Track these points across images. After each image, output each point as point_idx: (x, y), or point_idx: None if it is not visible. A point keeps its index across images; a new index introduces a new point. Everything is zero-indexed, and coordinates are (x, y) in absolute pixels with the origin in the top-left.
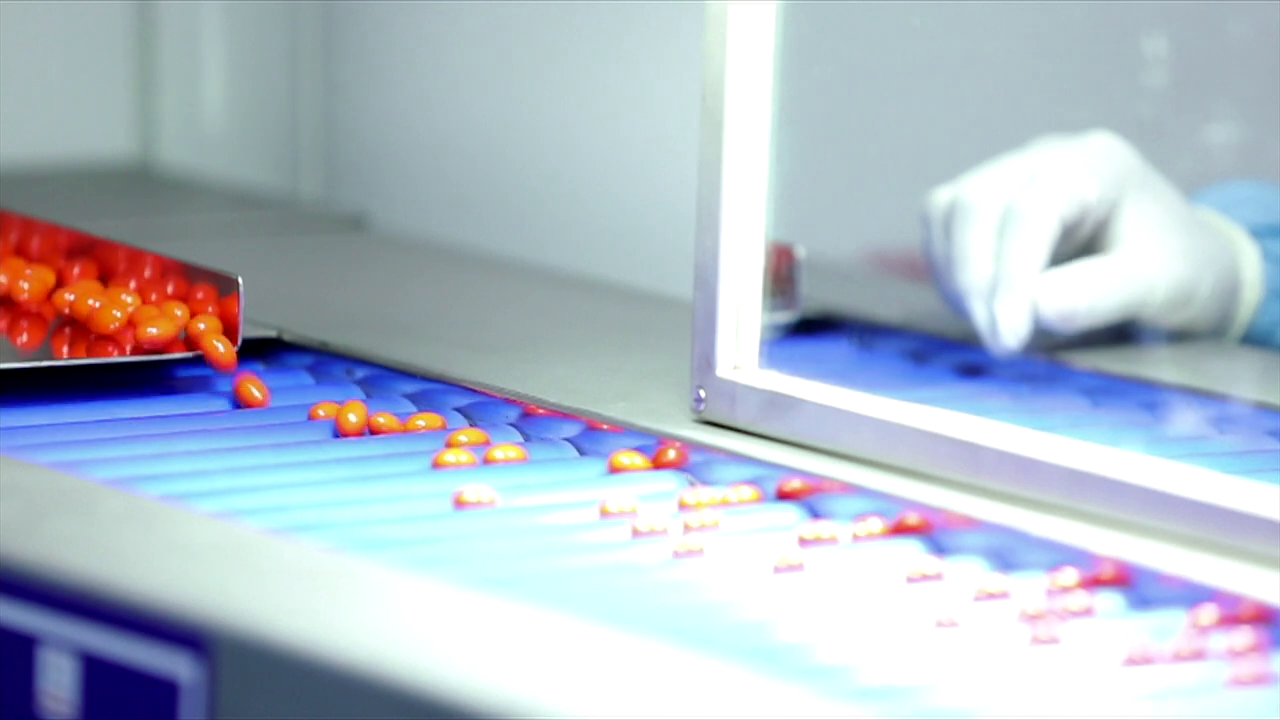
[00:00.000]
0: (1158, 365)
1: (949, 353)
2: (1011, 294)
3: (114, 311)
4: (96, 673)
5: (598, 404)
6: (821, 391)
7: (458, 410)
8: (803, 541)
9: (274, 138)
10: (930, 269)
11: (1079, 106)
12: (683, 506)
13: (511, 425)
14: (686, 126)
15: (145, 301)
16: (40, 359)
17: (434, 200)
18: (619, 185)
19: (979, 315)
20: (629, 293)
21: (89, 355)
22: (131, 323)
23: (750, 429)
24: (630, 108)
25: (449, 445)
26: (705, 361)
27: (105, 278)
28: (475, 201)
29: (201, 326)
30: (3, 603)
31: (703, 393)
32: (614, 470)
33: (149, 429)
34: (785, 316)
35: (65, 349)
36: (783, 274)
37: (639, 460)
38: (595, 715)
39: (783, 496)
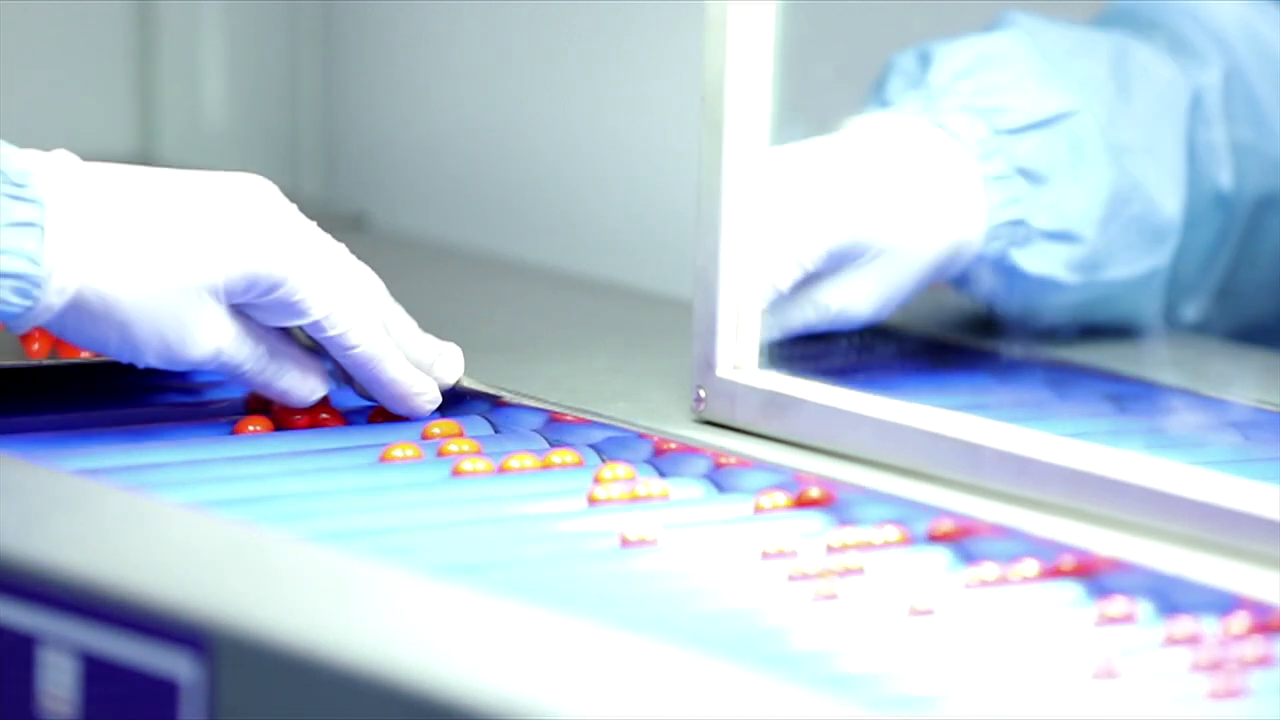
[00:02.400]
0: (1160, 366)
1: (950, 352)
2: None
3: None
4: (96, 672)
5: (598, 404)
6: (821, 391)
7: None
8: (956, 584)
9: (274, 137)
10: None
11: None
12: (830, 549)
13: (537, 430)
14: (686, 126)
15: None
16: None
17: (434, 200)
18: (619, 185)
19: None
20: (629, 293)
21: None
22: None
23: (750, 429)
24: (630, 108)
25: (596, 480)
26: (705, 362)
27: None
28: (476, 201)
29: None
30: (3, 602)
31: (703, 393)
32: (759, 510)
33: (150, 428)
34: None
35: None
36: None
37: (781, 499)
38: (594, 715)
39: (934, 539)
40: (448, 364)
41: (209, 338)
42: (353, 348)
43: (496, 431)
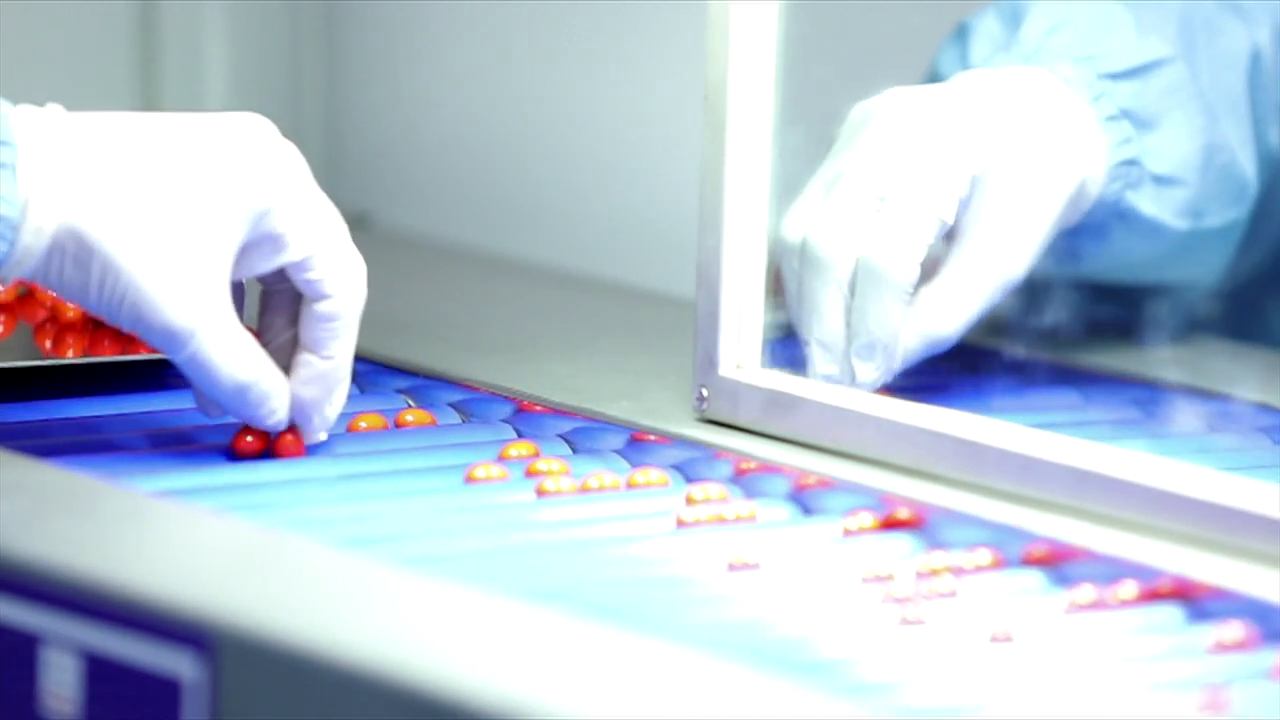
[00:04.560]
0: (1163, 366)
1: (950, 352)
2: (870, 355)
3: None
4: (99, 672)
5: (600, 403)
6: (823, 390)
7: (450, 405)
8: (1053, 608)
9: None
10: (785, 297)
11: None
12: (924, 573)
13: (561, 437)
14: (689, 125)
15: None
16: (37, 358)
17: (436, 199)
18: (622, 184)
19: (820, 368)
20: (631, 292)
21: (88, 354)
22: None
23: (752, 428)
24: (633, 107)
25: (687, 500)
26: (708, 360)
27: None
28: (478, 200)
29: None
30: (6, 602)
31: (705, 392)
32: (848, 534)
33: (153, 428)
34: (787, 316)
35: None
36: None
37: (868, 520)
38: (591, 715)
39: (1029, 562)
40: (334, 411)
41: (192, 305)
42: (324, 299)
43: (575, 451)
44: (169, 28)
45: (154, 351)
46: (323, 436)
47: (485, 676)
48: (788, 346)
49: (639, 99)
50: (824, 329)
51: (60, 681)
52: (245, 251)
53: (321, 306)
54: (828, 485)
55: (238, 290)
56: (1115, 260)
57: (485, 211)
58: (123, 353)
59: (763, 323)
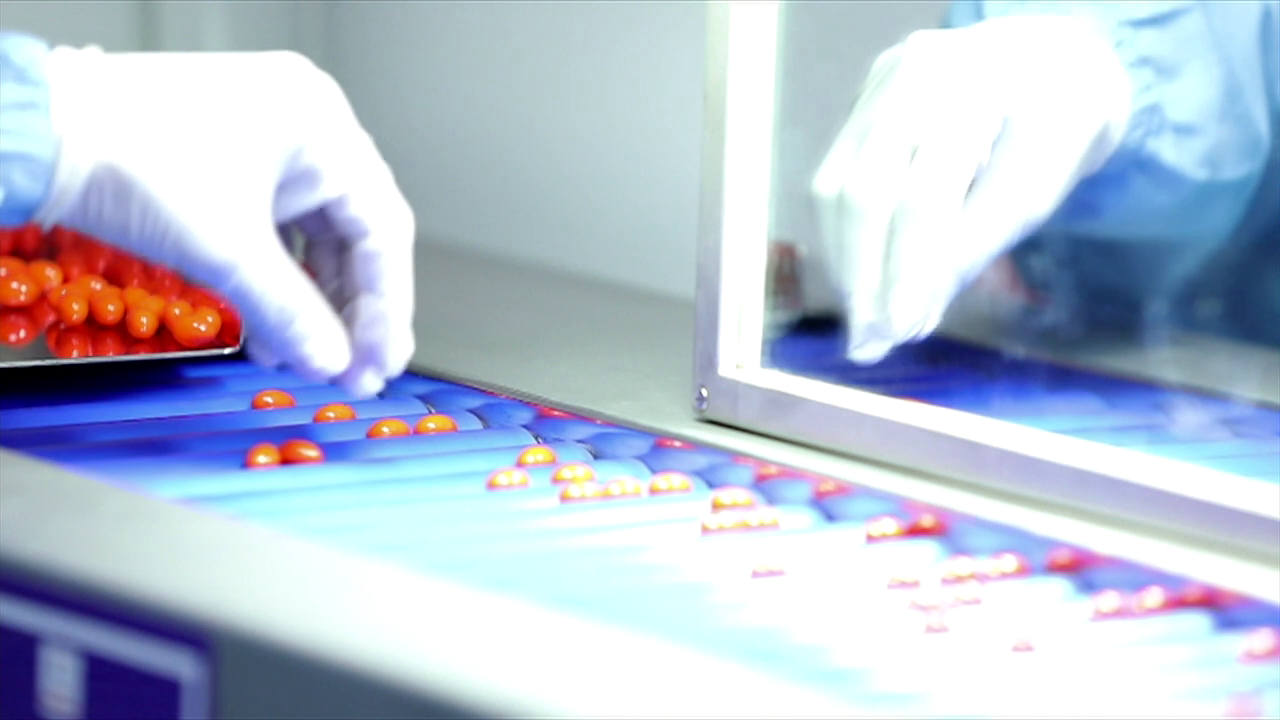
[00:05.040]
0: (1165, 365)
1: (951, 352)
2: (913, 299)
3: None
4: (99, 672)
5: (600, 403)
6: (823, 390)
7: (470, 411)
8: (1078, 616)
9: None
10: (823, 257)
11: None
12: (949, 580)
13: (640, 457)
14: (689, 126)
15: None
16: (38, 358)
17: (437, 199)
18: (622, 185)
19: (862, 316)
20: (631, 292)
21: (92, 354)
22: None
23: (752, 428)
24: (633, 107)
25: (714, 505)
26: (707, 360)
27: (108, 277)
28: (478, 200)
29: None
30: (5, 602)
31: (705, 392)
32: (870, 540)
33: (154, 429)
34: (787, 315)
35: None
36: (785, 273)
37: (891, 527)
38: (594, 715)
39: (1054, 568)
40: (397, 357)
41: (233, 237)
42: (365, 235)
43: (596, 457)
44: (169, 28)
45: (156, 352)
46: (377, 386)
47: (483, 676)
48: (788, 346)
49: (639, 99)
50: (865, 278)
51: (60, 681)
52: (283, 189)
53: (364, 245)
54: (849, 491)
55: (284, 236)
56: (1133, 213)
57: (485, 211)
58: (126, 353)
59: (762, 323)
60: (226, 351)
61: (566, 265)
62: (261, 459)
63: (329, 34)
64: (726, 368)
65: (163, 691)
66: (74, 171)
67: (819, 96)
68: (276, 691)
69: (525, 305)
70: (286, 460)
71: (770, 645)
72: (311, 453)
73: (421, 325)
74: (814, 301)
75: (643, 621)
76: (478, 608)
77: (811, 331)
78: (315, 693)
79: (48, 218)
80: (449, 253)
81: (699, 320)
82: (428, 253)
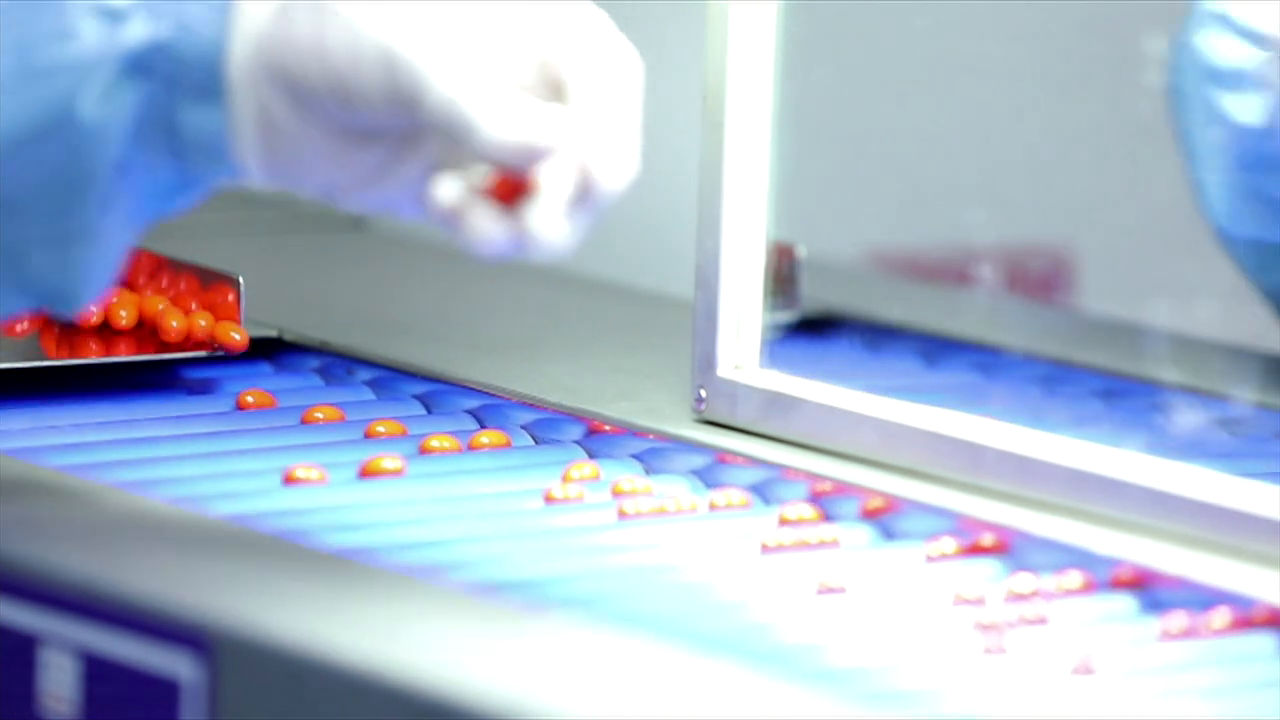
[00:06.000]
0: (1166, 366)
1: (952, 352)
2: None
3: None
4: (97, 672)
5: (599, 404)
6: (822, 391)
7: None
8: (1146, 635)
9: None
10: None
11: (1079, 106)
12: (1013, 596)
13: (696, 471)
14: (687, 126)
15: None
16: (38, 359)
17: None
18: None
19: None
20: (630, 292)
21: (79, 355)
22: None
23: (751, 429)
24: None
25: (781, 520)
26: (706, 361)
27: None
28: None
29: (202, 324)
30: (4, 602)
31: (704, 392)
32: (931, 559)
33: (151, 429)
34: (786, 316)
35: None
36: (783, 273)
37: (951, 545)
38: (594, 715)
39: (1118, 585)
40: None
41: (446, 68)
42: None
43: (648, 472)
44: None
45: (160, 353)
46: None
47: (482, 677)
48: (788, 346)
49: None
50: None
51: (59, 682)
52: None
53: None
54: (899, 507)
55: None
56: None
57: None
58: (137, 353)
59: (761, 323)
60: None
61: (565, 265)
62: (300, 474)
63: None
64: (725, 368)
65: (162, 692)
66: None
67: (817, 97)
68: (276, 692)
69: (524, 305)
70: (368, 474)
71: (833, 666)
72: (394, 465)
73: (420, 326)
74: (812, 303)
75: (703, 640)
76: (476, 610)
77: (810, 333)
78: (314, 694)
79: (231, 52)
80: (447, 252)
81: (698, 321)
82: (424, 253)
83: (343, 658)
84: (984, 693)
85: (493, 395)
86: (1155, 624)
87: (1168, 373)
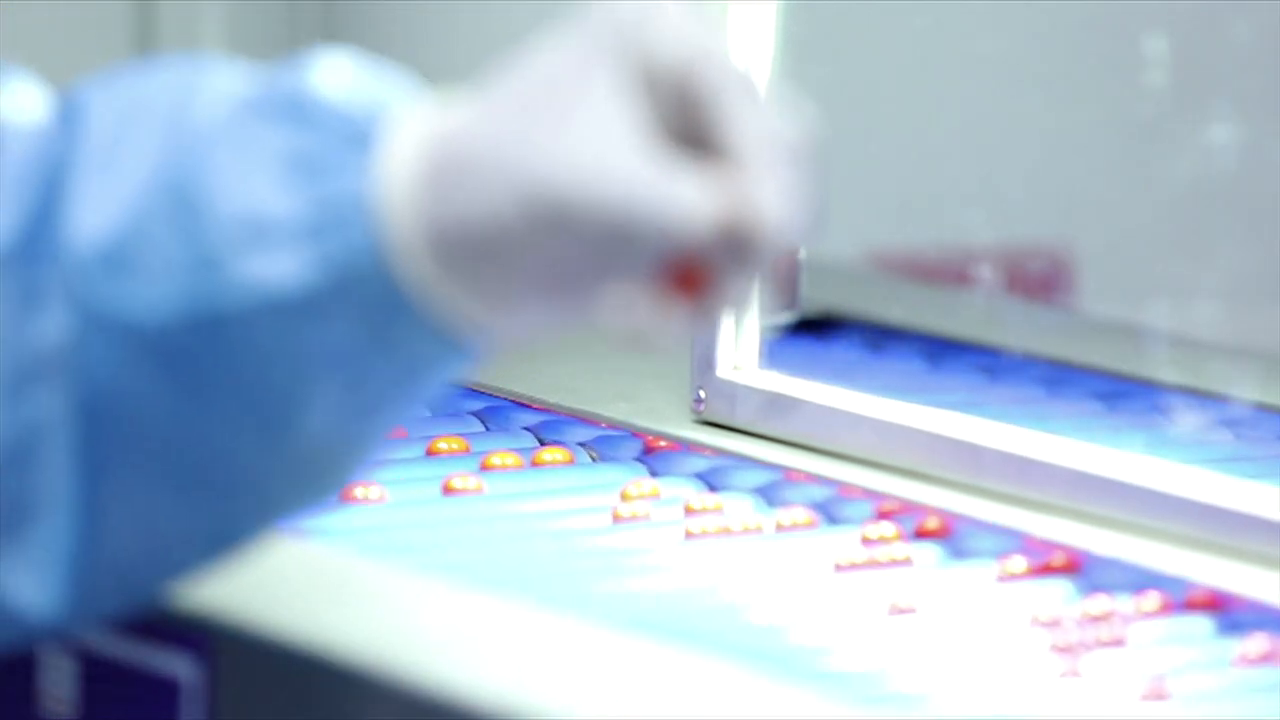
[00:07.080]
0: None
1: (952, 352)
2: None
3: None
4: (97, 673)
5: (598, 404)
6: (822, 392)
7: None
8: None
9: None
10: None
11: (1079, 106)
12: (1089, 618)
13: (756, 489)
14: None
15: None
16: None
17: None
18: None
19: None
20: None
21: None
22: None
23: (750, 429)
24: None
25: (863, 539)
26: (705, 362)
27: None
28: None
29: None
30: None
31: (703, 393)
32: (1002, 578)
33: None
34: (785, 317)
35: None
36: (782, 274)
37: (1022, 564)
38: (594, 715)
39: (1193, 606)
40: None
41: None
42: None
43: (713, 489)
44: (167, 28)
45: None
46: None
47: (483, 677)
48: (788, 346)
49: None
50: None
51: (58, 682)
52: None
53: None
54: (957, 526)
55: None
56: None
57: None
58: None
59: (760, 324)
60: None
61: None
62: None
63: (327, 34)
64: (724, 369)
65: (161, 692)
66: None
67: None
68: (275, 692)
69: None
70: (447, 491)
71: (907, 689)
72: (471, 483)
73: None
74: (810, 303)
75: (774, 661)
76: (476, 610)
77: (809, 333)
78: (313, 693)
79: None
80: None
81: None
82: None
83: (343, 657)
84: (1059, 715)
85: (498, 397)
86: (1233, 647)
87: (1168, 374)
